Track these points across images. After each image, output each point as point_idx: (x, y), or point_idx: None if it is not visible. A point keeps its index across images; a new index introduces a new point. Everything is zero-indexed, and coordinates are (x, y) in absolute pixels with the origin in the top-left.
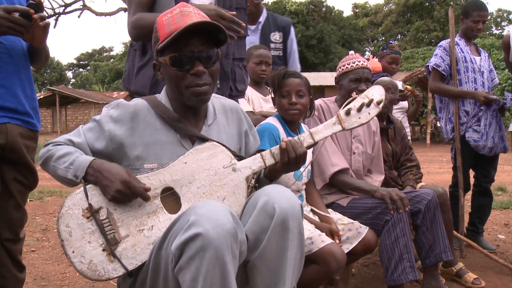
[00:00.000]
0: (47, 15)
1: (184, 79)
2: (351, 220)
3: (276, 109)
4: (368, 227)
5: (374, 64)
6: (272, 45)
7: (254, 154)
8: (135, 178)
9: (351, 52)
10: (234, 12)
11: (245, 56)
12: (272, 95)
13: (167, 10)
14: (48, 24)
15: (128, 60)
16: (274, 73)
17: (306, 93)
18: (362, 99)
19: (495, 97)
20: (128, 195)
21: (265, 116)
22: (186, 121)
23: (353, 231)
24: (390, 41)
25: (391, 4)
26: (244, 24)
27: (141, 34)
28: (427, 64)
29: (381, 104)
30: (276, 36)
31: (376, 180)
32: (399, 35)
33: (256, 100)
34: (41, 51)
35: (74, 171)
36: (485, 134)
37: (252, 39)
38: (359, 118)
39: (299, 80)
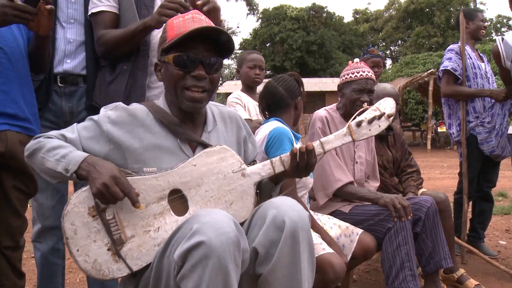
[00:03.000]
0: None
1: (183, 80)
2: (346, 224)
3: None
4: (362, 229)
5: None
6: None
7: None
8: (126, 179)
9: (356, 60)
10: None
11: (238, 62)
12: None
13: (180, 14)
14: (53, 9)
15: (97, 78)
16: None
17: None
18: (374, 111)
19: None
20: (112, 192)
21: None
22: (185, 127)
23: (351, 236)
24: (370, 46)
25: (391, 10)
26: (184, 2)
27: (106, 50)
28: (442, 67)
29: (392, 118)
30: None
31: (372, 185)
32: (399, 41)
33: (252, 108)
34: (46, 44)
35: (66, 165)
36: (499, 132)
37: None
38: (369, 130)
39: None
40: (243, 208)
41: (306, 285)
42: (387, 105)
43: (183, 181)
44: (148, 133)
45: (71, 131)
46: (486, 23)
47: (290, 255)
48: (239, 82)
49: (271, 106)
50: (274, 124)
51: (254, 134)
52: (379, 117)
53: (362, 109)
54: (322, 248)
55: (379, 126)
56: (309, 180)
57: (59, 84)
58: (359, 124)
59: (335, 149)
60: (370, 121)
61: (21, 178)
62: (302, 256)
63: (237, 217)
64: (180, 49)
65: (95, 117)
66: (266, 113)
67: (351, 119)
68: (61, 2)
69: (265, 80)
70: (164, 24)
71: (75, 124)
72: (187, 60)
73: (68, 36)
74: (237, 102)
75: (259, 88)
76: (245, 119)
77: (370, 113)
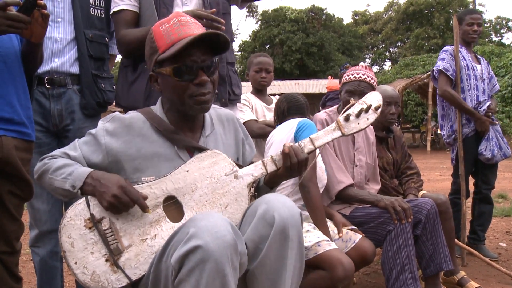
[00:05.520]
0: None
1: (188, 89)
2: (346, 230)
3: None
4: (361, 235)
5: (333, 84)
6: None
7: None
8: (133, 186)
9: (362, 63)
10: (214, 10)
11: (247, 65)
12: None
13: (163, 19)
14: (48, 16)
15: (119, 79)
16: None
17: None
18: (360, 105)
19: (495, 122)
20: (124, 202)
21: (269, 125)
22: (183, 133)
23: (348, 242)
24: (346, 63)
25: (390, 12)
26: (223, 21)
27: (129, 50)
28: (435, 67)
29: (379, 110)
30: None
31: (372, 188)
32: (399, 42)
33: (260, 109)
34: (38, 50)
35: (72, 182)
36: (490, 145)
37: None
38: (358, 123)
39: None
40: (239, 210)
41: (289, 282)
42: (374, 98)
43: (177, 187)
44: (145, 142)
45: (73, 148)
46: (475, 26)
47: (278, 251)
48: None
49: (291, 109)
50: (300, 118)
51: (260, 135)
52: (366, 110)
53: (349, 104)
54: (329, 244)
55: (367, 119)
56: (324, 176)
57: (47, 86)
58: (347, 119)
59: (335, 152)
60: (357, 115)
61: (16, 183)
62: (290, 252)
63: (233, 219)
64: (177, 58)
65: (93, 131)
66: (284, 114)
67: (340, 114)
68: (46, 2)
69: (274, 83)
70: (150, 33)
71: (76, 140)
72: (187, 70)
73: (55, 35)
74: (244, 104)
75: (269, 91)
76: (251, 120)
77: (357, 107)
